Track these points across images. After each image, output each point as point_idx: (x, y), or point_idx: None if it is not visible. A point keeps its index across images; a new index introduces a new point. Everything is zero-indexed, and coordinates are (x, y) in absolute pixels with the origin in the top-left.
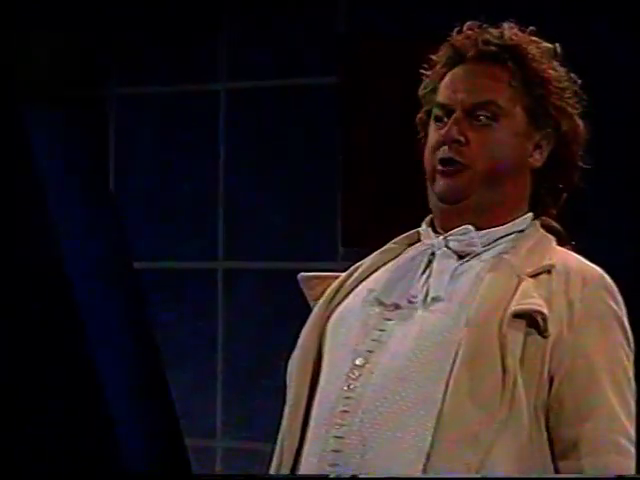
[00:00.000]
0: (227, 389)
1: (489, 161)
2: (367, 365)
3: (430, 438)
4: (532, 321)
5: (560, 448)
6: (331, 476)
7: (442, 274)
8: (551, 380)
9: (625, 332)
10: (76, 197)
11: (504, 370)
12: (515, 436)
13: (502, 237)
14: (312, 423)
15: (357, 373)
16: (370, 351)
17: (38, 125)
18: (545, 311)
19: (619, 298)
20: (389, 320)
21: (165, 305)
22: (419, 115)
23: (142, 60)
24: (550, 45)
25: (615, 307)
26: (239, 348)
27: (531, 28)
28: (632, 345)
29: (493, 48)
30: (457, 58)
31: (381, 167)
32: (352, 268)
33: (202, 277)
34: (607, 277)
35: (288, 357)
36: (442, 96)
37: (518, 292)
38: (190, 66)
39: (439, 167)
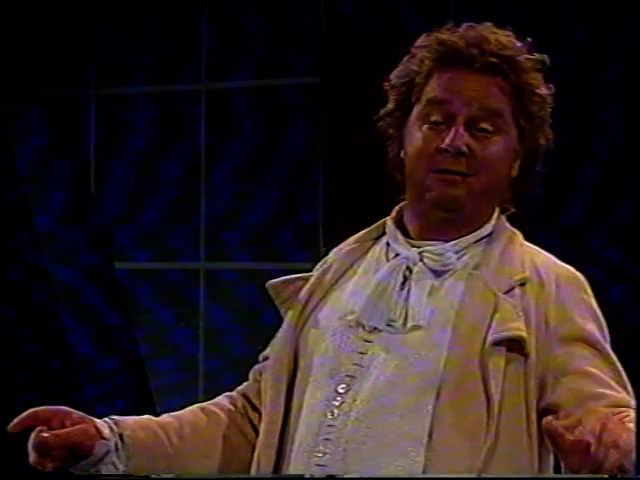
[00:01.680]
0: (208, 388)
1: (488, 174)
2: (349, 392)
3: (421, 470)
4: (512, 344)
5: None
6: (307, 476)
7: (420, 297)
8: (542, 386)
9: (596, 316)
10: (57, 197)
11: (488, 398)
12: (506, 460)
13: (473, 243)
14: (294, 445)
15: (339, 400)
16: (352, 377)
17: (18, 125)
18: (524, 334)
19: (589, 291)
20: (369, 342)
21: (147, 305)
22: (389, 106)
23: (123, 61)
24: (539, 56)
25: (586, 297)
26: (221, 348)
27: (528, 39)
28: (606, 329)
29: (496, 60)
30: (452, 59)
31: (363, 167)
32: (320, 272)
33: (184, 277)
34: (577, 273)
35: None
36: (442, 96)
37: (496, 315)
38: (171, 67)
39: (438, 175)
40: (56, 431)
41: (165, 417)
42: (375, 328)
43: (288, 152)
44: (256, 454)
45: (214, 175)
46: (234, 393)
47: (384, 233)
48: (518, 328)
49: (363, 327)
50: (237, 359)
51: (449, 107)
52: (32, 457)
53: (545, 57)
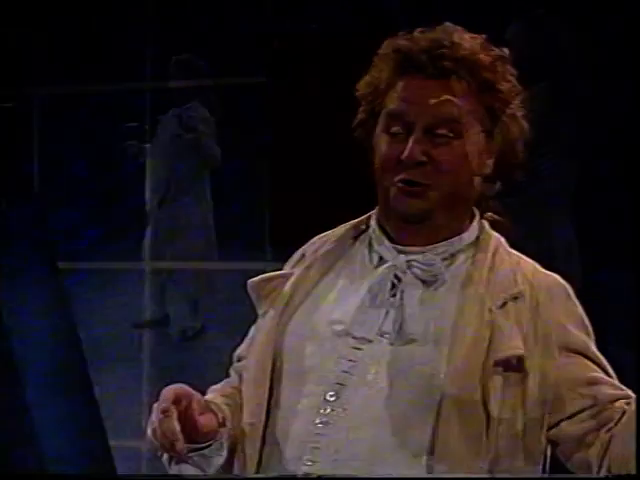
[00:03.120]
0: (153, 390)
1: (452, 178)
2: (339, 400)
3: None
4: (510, 361)
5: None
6: (299, 475)
7: (413, 308)
8: (559, 399)
9: (586, 325)
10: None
11: (488, 415)
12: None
13: (459, 251)
14: (280, 450)
15: (328, 408)
16: (341, 384)
17: None
18: (524, 353)
19: (576, 299)
20: (358, 349)
21: (91, 305)
22: (360, 116)
23: (67, 59)
24: (498, 51)
25: (575, 307)
26: (165, 349)
27: (483, 36)
28: (592, 336)
29: (448, 63)
30: (406, 66)
31: (310, 165)
32: (300, 271)
33: (128, 277)
34: (563, 282)
35: (216, 359)
36: (398, 109)
37: (495, 333)
38: (115, 65)
39: (400, 185)
40: (203, 417)
41: (216, 400)
42: (364, 337)
43: (235, 150)
44: (239, 454)
45: (159, 173)
46: (233, 389)
47: (365, 229)
48: (517, 347)
49: (353, 336)
50: (182, 361)
51: (406, 118)
52: (177, 444)
53: (504, 50)
